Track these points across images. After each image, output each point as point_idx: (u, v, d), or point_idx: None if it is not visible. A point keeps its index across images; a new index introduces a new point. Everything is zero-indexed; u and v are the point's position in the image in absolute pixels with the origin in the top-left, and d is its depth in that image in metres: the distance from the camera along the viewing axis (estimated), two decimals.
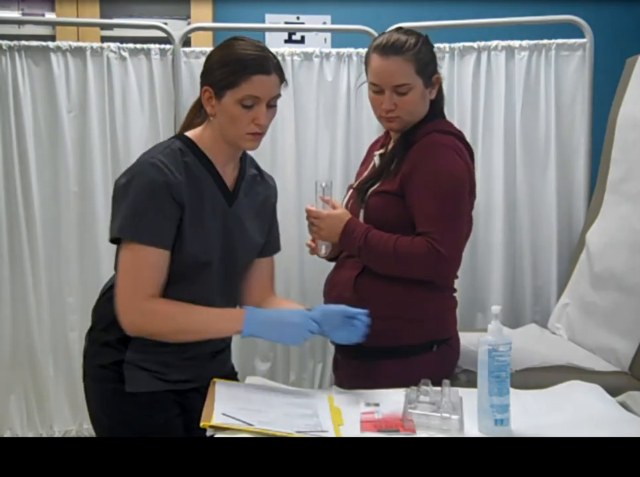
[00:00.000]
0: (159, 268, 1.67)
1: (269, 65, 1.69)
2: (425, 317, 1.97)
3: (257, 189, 1.87)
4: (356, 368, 1.99)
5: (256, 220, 1.85)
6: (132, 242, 1.65)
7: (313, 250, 2.07)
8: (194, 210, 1.69)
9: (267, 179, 1.93)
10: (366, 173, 2.12)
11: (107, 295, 1.76)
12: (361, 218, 2.01)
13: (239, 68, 1.66)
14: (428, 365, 1.92)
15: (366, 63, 2.03)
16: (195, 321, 1.69)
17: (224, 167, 1.78)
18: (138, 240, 1.64)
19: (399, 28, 2.05)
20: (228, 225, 1.76)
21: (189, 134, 1.77)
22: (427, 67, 2.00)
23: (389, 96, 1.96)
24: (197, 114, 1.81)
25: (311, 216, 1.99)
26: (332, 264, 2.17)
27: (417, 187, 1.93)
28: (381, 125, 2.11)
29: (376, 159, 2.10)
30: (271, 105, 1.72)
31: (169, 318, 1.68)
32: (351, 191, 2.13)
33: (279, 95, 1.73)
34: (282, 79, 1.73)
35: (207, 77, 1.71)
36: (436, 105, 2.06)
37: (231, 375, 1.90)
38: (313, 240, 2.05)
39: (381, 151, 2.11)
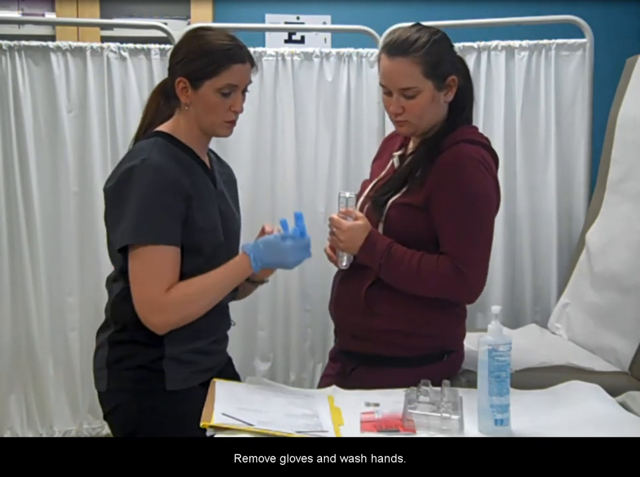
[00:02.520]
0: (174, 266, 1.68)
1: (244, 53, 1.74)
2: (438, 330, 1.91)
3: (221, 170, 1.92)
4: (363, 375, 1.92)
5: (231, 199, 1.90)
6: (145, 245, 1.64)
7: (331, 258, 1.97)
8: (197, 200, 1.71)
9: (222, 161, 1.98)
10: (384, 179, 1.98)
11: (122, 294, 1.73)
12: (380, 230, 1.89)
13: (218, 58, 1.70)
14: (438, 372, 1.87)
15: (378, 62, 1.92)
16: (210, 289, 1.71)
17: (202, 154, 1.82)
18: (153, 242, 1.64)
19: (415, 25, 1.90)
20: (222, 208, 1.81)
21: (163, 129, 1.78)
22: (438, 69, 1.84)
23: (396, 99, 1.85)
24: (163, 107, 1.82)
25: (333, 225, 1.89)
26: (333, 267, 2.07)
27: (444, 204, 1.82)
28: (396, 128, 1.97)
29: (395, 161, 1.98)
30: (244, 91, 1.78)
31: (189, 301, 1.68)
32: (364, 196, 2.00)
33: (251, 82, 1.79)
34: (253, 65, 1.78)
35: (181, 68, 1.73)
36: (459, 108, 1.92)
37: (230, 362, 1.95)
38: (333, 249, 1.96)
39: (400, 152, 1.99)
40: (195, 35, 1.77)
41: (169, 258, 1.67)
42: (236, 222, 1.89)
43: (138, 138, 1.82)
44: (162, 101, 1.82)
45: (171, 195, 1.66)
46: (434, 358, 1.92)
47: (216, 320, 1.80)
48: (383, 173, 2.00)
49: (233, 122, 1.78)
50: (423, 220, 1.85)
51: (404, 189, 1.89)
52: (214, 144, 2.98)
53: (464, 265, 1.80)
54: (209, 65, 1.70)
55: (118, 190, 1.67)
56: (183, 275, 1.70)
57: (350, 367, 1.96)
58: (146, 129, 1.82)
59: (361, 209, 1.96)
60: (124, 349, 1.73)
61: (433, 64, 1.83)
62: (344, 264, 1.93)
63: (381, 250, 1.84)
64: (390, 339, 1.88)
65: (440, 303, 1.88)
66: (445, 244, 1.84)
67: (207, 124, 1.76)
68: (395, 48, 1.83)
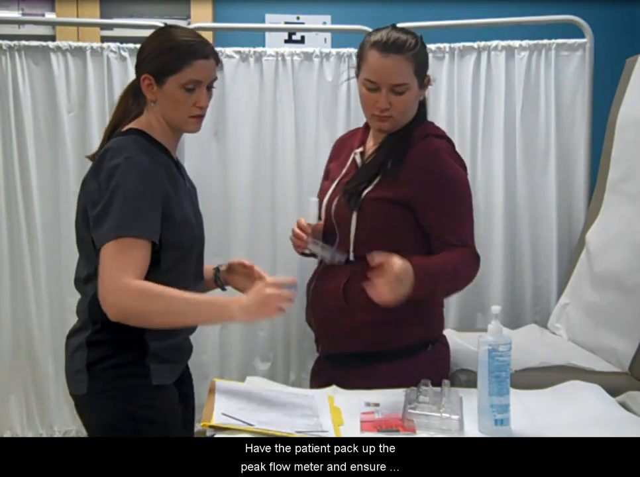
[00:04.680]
0: (146, 261, 1.65)
1: (208, 49, 1.76)
2: (418, 318, 1.93)
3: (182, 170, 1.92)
4: (352, 375, 1.92)
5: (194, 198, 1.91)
6: (125, 238, 1.62)
7: (300, 248, 2.03)
8: (174, 197, 1.73)
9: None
10: (348, 172, 2.04)
11: (96, 296, 1.67)
12: (353, 223, 1.94)
13: (181, 54, 1.72)
14: (424, 364, 1.92)
15: (361, 58, 1.96)
16: (184, 303, 1.65)
17: (173, 151, 1.83)
18: (135, 235, 1.63)
19: (395, 27, 1.98)
20: (194, 206, 1.84)
21: (135, 126, 1.78)
22: (423, 68, 1.96)
23: (385, 95, 1.91)
24: (131, 105, 1.84)
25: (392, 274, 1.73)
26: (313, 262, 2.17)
27: (437, 198, 1.91)
28: (371, 124, 2.02)
29: (357, 158, 2.04)
30: (210, 88, 1.79)
31: (158, 298, 1.63)
32: (330, 192, 2.05)
33: (216, 78, 1.80)
34: (218, 62, 1.80)
35: (146, 65, 1.75)
36: (423, 106, 2.04)
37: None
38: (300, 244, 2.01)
39: (360, 149, 2.05)
40: (160, 32, 1.79)
41: (144, 252, 1.64)
42: (202, 223, 1.89)
43: (107, 136, 1.83)
44: (131, 100, 1.84)
45: (154, 192, 1.67)
46: (418, 349, 1.95)
47: None
48: (344, 170, 2.05)
49: (199, 117, 1.79)
50: (398, 214, 1.92)
51: (376, 181, 1.95)
52: (215, 143, 3.01)
53: (472, 248, 1.94)
54: (172, 61, 1.72)
55: (102, 189, 1.66)
56: (163, 270, 1.70)
57: (337, 374, 1.93)
58: (114, 127, 1.83)
59: (330, 204, 2.02)
60: (105, 349, 1.69)
61: (421, 63, 1.95)
62: (313, 220, 2.02)
63: (428, 276, 1.80)
64: (373, 333, 1.90)
65: None
66: (450, 235, 1.91)
67: (174, 120, 1.77)
68: (390, 46, 1.90)
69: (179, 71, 1.72)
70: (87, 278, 1.74)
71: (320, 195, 2.09)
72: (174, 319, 1.67)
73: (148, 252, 1.66)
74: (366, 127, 2.10)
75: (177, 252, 1.73)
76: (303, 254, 2.11)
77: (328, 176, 2.15)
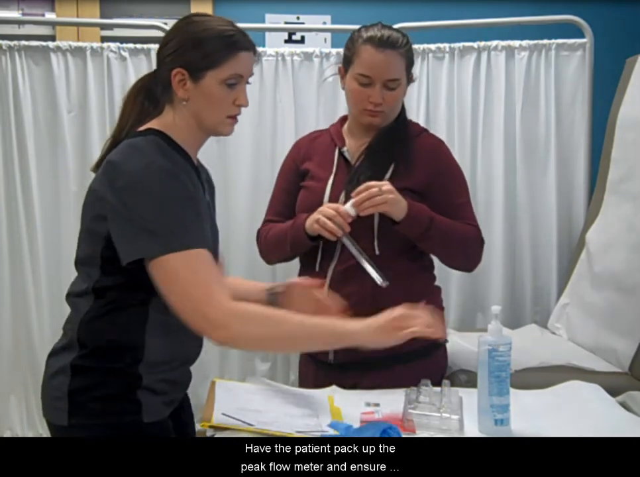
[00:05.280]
0: (216, 267, 1.49)
1: (248, 40, 1.58)
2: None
3: (203, 176, 1.71)
4: (363, 379, 1.90)
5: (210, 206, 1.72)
6: (178, 252, 1.42)
7: (332, 230, 1.88)
8: (199, 205, 1.54)
9: (202, 165, 1.74)
10: (339, 171, 2.00)
11: (95, 314, 1.50)
12: (376, 216, 1.91)
13: (223, 45, 1.53)
14: (439, 364, 1.99)
15: (353, 53, 1.97)
16: (312, 328, 1.50)
17: (194, 158, 1.63)
18: (187, 247, 1.43)
19: (384, 25, 2.01)
20: (211, 219, 1.65)
21: (156, 126, 1.56)
22: (411, 65, 2.02)
23: (379, 89, 1.94)
24: (147, 107, 1.61)
25: (370, 186, 1.85)
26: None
27: (452, 186, 2.02)
28: (360, 119, 2.00)
29: (348, 155, 2.02)
30: (247, 83, 1.60)
31: (280, 323, 1.47)
32: (330, 187, 2.00)
33: (253, 74, 1.62)
34: (256, 53, 1.61)
35: (178, 58, 1.53)
36: (403, 104, 2.06)
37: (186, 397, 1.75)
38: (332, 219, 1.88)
39: (346, 148, 2.03)
40: (191, 21, 1.57)
41: (208, 258, 1.45)
42: (217, 230, 1.69)
43: (113, 142, 1.58)
44: (145, 100, 1.62)
45: (186, 196, 1.47)
46: (435, 347, 1.98)
47: (192, 349, 1.62)
48: (334, 169, 2.02)
49: (235, 118, 1.59)
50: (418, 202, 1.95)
51: (390, 172, 1.96)
52: (215, 143, 3.01)
53: (480, 231, 2.03)
54: (212, 53, 1.52)
55: (125, 199, 1.43)
56: None
57: (346, 380, 1.89)
58: (127, 131, 1.59)
59: (335, 202, 1.95)
60: (91, 377, 1.48)
61: (411, 60, 2.01)
62: (353, 213, 1.87)
63: (426, 211, 1.92)
64: None
65: (431, 285, 2.06)
66: (459, 218, 1.99)
67: (209, 121, 1.57)
68: (385, 42, 1.93)
69: (221, 64, 1.52)
70: (80, 293, 1.53)
71: (311, 196, 2.01)
72: (293, 345, 1.56)
73: (211, 258, 1.47)
74: (339, 127, 2.12)
75: None
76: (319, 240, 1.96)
77: (307, 177, 2.06)
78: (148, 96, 1.62)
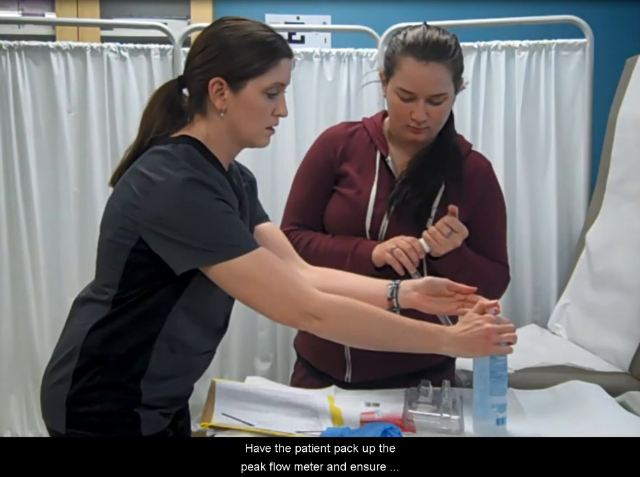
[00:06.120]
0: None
1: (288, 46, 1.49)
2: None
3: (239, 180, 1.66)
4: None
5: (250, 211, 1.67)
6: (242, 255, 1.41)
7: (404, 264, 1.74)
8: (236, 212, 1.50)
9: (244, 170, 1.71)
10: (381, 184, 1.82)
11: (100, 324, 1.47)
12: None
13: (265, 52, 1.45)
14: (452, 374, 1.93)
15: (393, 63, 1.75)
16: (402, 328, 1.49)
17: (227, 169, 1.57)
18: (249, 250, 1.42)
19: (429, 25, 1.77)
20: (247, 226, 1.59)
21: (192, 134, 1.49)
22: (461, 73, 1.79)
23: (423, 105, 1.72)
24: (176, 114, 1.53)
25: (448, 224, 1.73)
26: None
27: (494, 218, 1.91)
28: (402, 135, 1.80)
29: (391, 167, 1.83)
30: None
31: (378, 320, 1.48)
32: (372, 205, 1.82)
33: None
34: (293, 60, 1.54)
35: (216, 66, 1.45)
36: (451, 112, 1.85)
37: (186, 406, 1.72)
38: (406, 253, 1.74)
39: (389, 158, 1.84)
40: (226, 26, 1.47)
41: (269, 256, 1.45)
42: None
43: (136, 151, 1.51)
44: (167, 111, 1.53)
45: (222, 205, 1.43)
46: (452, 360, 1.93)
47: (202, 361, 1.60)
48: (375, 182, 1.83)
49: (273, 130, 1.53)
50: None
51: (438, 200, 1.81)
52: None
53: (508, 268, 1.94)
54: (254, 62, 1.44)
55: (164, 216, 1.39)
56: (188, 293, 1.48)
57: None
58: (150, 141, 1.51)
59: (377, 225, 1.81)
60: (91, 388, 1.45)
61: (459, 69, 1.77)
62: (427, 249, 1.76)
63: (464, 252, 1.79)
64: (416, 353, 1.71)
65: None
66: (493, 252, 1.89)
67: (247, 133, 1.50)
68: (429, 52, 1.70)
69: (263, 73, 1.45)
70: (97, 301, 1.50)
71: (351, 208, 1.84)
72: (383, 343, 1.52)
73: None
74: (380, 124, 1.90)
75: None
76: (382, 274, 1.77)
77: (344, 181, 1.87)
78: (172, 106, 1.53)
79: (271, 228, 1.72)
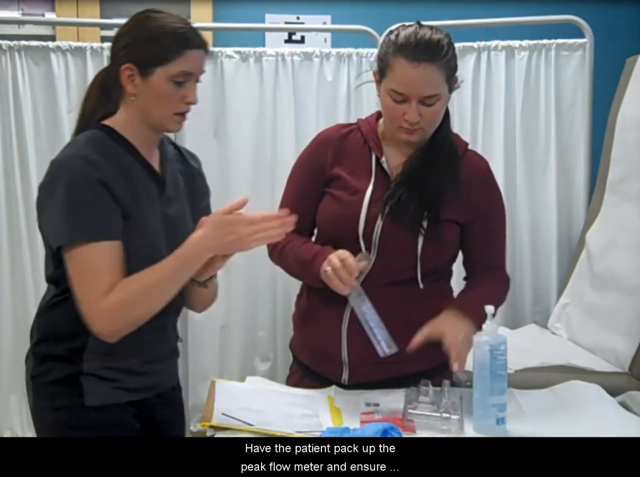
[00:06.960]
0: (112, 263, 1.50)
1: (200, 38, 1.57)
2: None
3: (181, 168, 1.72)
4: None
5: (188, 204, 1.71)
6: (78, 244, 1.48)
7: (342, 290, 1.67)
8: (131, 203, 1.55)
9: (188, 159, 1.77)
10: (377, 187, 1.78)
11: (49, 303, 1.60)
12: (420, 245, 1.73)
13: (172, 42, 1.53)
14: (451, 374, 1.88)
15: (386, 64, 1.72)
16: (156, 284, 1.51)
17: (149, 153, 1.63)
18: (85, 240, 1.48)
19: (421, 25, 1.74)
20: (166, 212, 1.63)
21: (109, 123, 1.60)
22: (454, 73, 1.74)
23: (415, 107, 1.69)
24: (103, 101, 1.62)
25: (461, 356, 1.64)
26: None
27: (494, 221, 1.88)
28: (396, 136, 1.77)
29: (386, 168, 1.79)
30: (198, 81, 1.60)
31: (130, 303, 1.50)
32: (366, 206, 1.77)
33: (204, 71, 1.62)
34: (208, 52, 1.61)
35: (128, 53, 1.55)
36: (447, 110, 1.81)
37: (177, 387, 1.78)
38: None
39: (384, 159, 1.80)
40: (144, 17, 1.60)
41: (104, 255, 1.49)
42: (188, 228, 1.61)
43: (76, 134, 1.64)
44: (99, 95, 1.63)
45: (99, 190, 1.49)
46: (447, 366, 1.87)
47: (149, 339, 1.60)
48: (371, 183, 1.78)
49: (184, 116, 1.60)
50: (458, 234, 1.81)
51: (434, 201, 1.77)
52: (215, 143, 3.01)
53: (506, 273, 1.93)
54: (162, 50, 1.53)
55: (43, 187, 1.54)
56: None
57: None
58: (85, 126, 1.62)
59: (371, 227, 1.76)
60: (44, 362, 1.59)
61: (453, 68, 1.74)
62: (362, 266, 1.69)
63: (477, 314, 1.63)
64: (421, 353, 1.69)
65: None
66: (491, 260, 1.89)
67: (155, 118, 1.57)
68: (420, 52, 1.66)
69: (170, 61, 1.53)
70: (47, 282, 1.64)
71: (344, 210, 1.79)
72: (162, 297, 1.52)
73: (109, 252, 1.50)
74: (374, 125, 1.86)
75: (136, 262, 1.53)
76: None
77: (336, 183, 1.82)
78: (101, 92, 1.64)
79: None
